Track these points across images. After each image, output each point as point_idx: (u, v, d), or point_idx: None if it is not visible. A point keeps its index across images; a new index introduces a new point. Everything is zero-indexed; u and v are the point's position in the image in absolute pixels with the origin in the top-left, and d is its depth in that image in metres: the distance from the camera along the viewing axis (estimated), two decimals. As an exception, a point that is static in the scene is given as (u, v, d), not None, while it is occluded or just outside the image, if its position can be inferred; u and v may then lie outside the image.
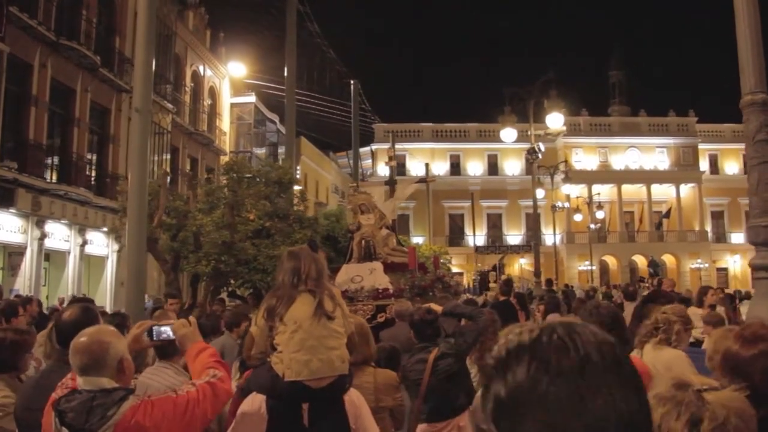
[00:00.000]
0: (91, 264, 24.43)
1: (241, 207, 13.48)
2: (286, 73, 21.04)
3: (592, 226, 47.94)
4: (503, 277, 21.56)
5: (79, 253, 23.01)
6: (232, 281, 13.88)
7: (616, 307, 4.39)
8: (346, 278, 13.63)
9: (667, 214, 54.51)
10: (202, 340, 3.46)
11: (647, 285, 20.93)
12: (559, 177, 34.38)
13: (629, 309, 10.59)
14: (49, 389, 3.47)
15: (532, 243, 23.22)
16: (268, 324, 3.75)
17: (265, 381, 3.67)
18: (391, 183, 15.97)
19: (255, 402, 3.67)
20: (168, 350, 4.52)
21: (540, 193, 32.44)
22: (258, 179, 14.59)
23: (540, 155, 20.17)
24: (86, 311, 3.84)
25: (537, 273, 20.38)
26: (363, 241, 14.15)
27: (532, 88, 19.88)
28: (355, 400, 3.75)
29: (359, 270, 13.59)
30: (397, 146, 40.25)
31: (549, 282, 20.63)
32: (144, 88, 9.87)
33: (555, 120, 18.69)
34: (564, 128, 21.21)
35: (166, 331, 3.45)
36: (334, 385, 3.61)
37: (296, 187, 17.47)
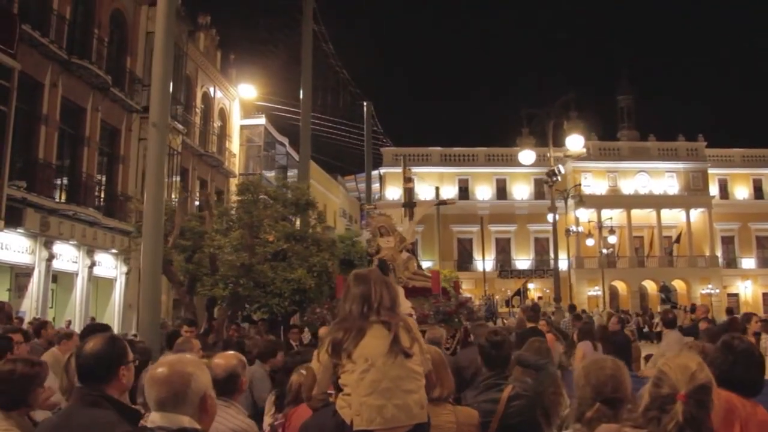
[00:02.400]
0: (99, 286, 23.98)
1: (258, 228, 13.04)
2: (301, 96, 20.72)
3: (604, 250, 47.51)
4: (527, 301, 21.01)
5: (87, 274, 22.60)
6: (246, 305, 13.41)
7: (750, 343, 3.81)
8: (366, 303, 13.21)
9: (678, 240, 54.07)
10: None
11: (681, 311, 20.38)
12: (571, 201, 34.00)
13: (670, 337, 10.13)
14: None
15: (553, 268, 22.67)
16: (333, 360, 3.23)
17: (330, 428, 3.15)
18: (409, 205, 15.54)
19: None
20: (228, 387, 4.02)
21: (550, 217, 32.06)
22: (273, 201, 14.18)
23: (559, 177, 19.74)
24: (112, 342, 3.34)
25: (557, 298, 19.88)
26: (383, 265, 13.69)
27: (551, 109, 19.49)
28: None
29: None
30: (407, 170, 40.23)
31: (572, 308, 20.10)
32: (161, 103, 9.53)
33: (575, 142, 18.24)
34: (584, 150, 20.78)
35: None
36: None
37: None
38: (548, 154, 20.26)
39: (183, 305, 12.77)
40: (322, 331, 9.05)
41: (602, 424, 3.05)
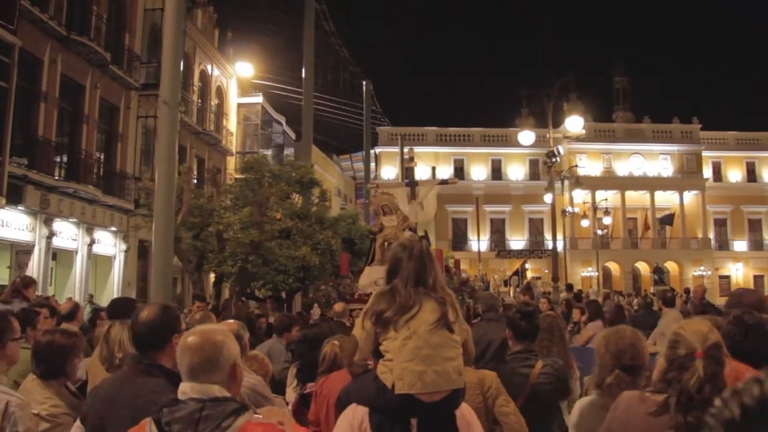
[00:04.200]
0: (98, 264, 24.02)
1: (265, 206, 13.11)
2: (303, 75, 20.69)
3: (599, 231, 47.75)
4: (525, 281, 21.14)
5: (86, 252, 22.62)
6: (253, 282, 13.51)
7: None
8: (370, 281, 13.25)
9: (670, 221, 54.04)
10: None
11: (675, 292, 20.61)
12: (567, 182, 34.09)
13: (670, 315, 10.31)
14: (123, 401, 3.15)
15: (551, 248, 22.80)
16: (376, 329, 3.31)
17: (370, 392, 3.22)
18: (412, 184, 15.64)
19: (357, 415, 3.22)
20: None
21: (547, 198, 32.18)
22: (279, 178, 14.25)
23: (558, 158, 19.85)
24: (166, 310, 3.46)
25: (555, 278, 20.05)
26: (386, 243, 13.76)
27: (550, 90, 19.55)
28: (466, 414, 3.33)
29: (382, 272, 13.06)
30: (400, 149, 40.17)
31: (570, 287, 20.32)
32: (172, 80, 9.55)
33: (575, 123, 18.36)
34: (584, 131, 20.87)
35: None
36: (447, 399, 3.18)
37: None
38: (546, 135, 20.35)
39: (191, 282, 12.85)
40: (338, 307, 9.17)
41: (622, 390, 3.20)
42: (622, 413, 2.86)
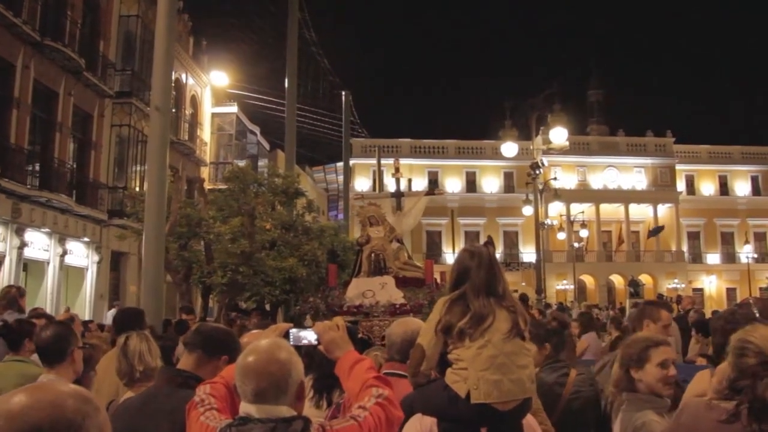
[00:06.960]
0: (69, 275, 23.37)
1: (253, 216, 12.76)
2: (287, 84, 20.34)
3: (576, 244, 47.88)
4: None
5: (58, 263, 21.99)
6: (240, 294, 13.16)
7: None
8: (357, 293, 12.94)
9: (657, 232, 53.94)
10: (354, 349, 2.85)
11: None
12: (544, 194, 34.13)
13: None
14: (158, 415, 3.06)
15: (534, 261, 22.68)
16: (446, 339, 3.20)
17: (440, 402, 3.11)
18: (397, 195, 15.36)
19: (424, 425, 3.12)
20: None
21: (526, 210, 32.15)
22: (263, 187, 13.92)
23: (542, 170, 19.75)
24: (229, 332, 3.52)
25: (539, 290, 19.99)
26: (373, 255, 13.47)
27: (533, 102, 19.47)
28: (532, 423, 3.26)
29: (369, 284, 12.91)
30: (374, 161, 39.75)
31: (547, 306, 20.24)
32: (163, 86, 9.18)
33: (559, 134, 18.27)
34: (567, 143, 20.87)
35: (307, 336, 2.87)
36: (519, 408, 3.10)
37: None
38: (523, 148, 20.25)
39: (178, 294, 12.44)
40: (338, 320, 8.82)
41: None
42: (690, 420, 2.75)
